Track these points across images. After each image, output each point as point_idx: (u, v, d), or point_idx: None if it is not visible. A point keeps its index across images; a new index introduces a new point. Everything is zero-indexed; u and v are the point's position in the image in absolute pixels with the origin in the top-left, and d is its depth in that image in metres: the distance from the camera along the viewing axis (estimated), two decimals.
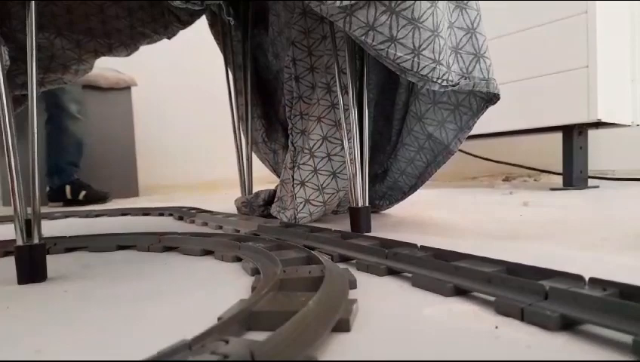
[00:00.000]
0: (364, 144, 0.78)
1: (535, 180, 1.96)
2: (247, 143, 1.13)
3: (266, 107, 1.19)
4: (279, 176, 1.10)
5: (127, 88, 2.43)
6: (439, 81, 0.64)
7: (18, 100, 0.93)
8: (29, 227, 0.51)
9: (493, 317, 0.32)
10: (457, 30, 0.68)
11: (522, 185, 1.81)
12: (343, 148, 0.84)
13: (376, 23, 0.60)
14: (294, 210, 0.88)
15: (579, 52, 1.40)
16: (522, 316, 0.30)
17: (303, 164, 0.88)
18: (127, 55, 1.05)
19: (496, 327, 0.30)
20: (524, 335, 0.28)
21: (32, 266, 0.51)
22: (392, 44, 0.61)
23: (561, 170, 1.55)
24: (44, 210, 1.69)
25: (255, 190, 1.10)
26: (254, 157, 1.18)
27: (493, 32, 0.64)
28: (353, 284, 0.42)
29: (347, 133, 0.78)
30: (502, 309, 0.32)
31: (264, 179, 1.48)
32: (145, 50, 1.07)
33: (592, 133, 1.57)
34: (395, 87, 0.89)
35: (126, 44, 1.04)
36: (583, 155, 1.53)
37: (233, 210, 1.12)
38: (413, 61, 0.62)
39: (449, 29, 0.67)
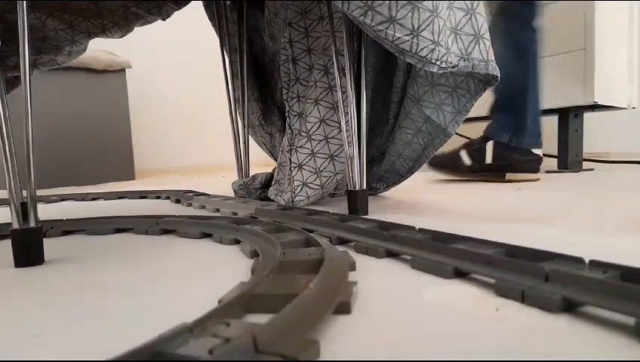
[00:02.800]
0: (361, 127, 0.77)
1: None
2: (243, 126, 1.13)
3: (262, 90, 1.17)
4: (276, 160, 1.10)
5: (122, 70, 2.40)
6: (438, 62, 0.63)
7: (10, 82, 0.92)
8: (24, 210, 0.51)
9: (494, 300, 0.32)
10: (457, 10, 0.67)
11: None
12: (340, 130, 0.84)
13: (374, 4, 0.59)
14: (292, 193, 0.87)
15: (576, 34, 1.39)
16: (523, 298, 0.30)
17: (301, 146, 0.87)
18: (122, 36, 1.03)
19: (497, 309, 0.30)
20: (525, 317, 0.28)
21: (28, 250, 0.51)
22: (391, 25, 0.60)
23: (555, 153, 1.55)
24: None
25: (252, 173, 1.09)
26: (251, 140, 1.17)
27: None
28: (352, 266, 0.42)
29: (345, 116, 0.77)
30: (502, 291, 0.32)
31: (261, 164, 1.47)
32: (140, 32, 1.05)
33: (587, 116, 1.57)
34: (392, 70, 0.89)
35: (120, 25, 1.02)
36: (579, 138, 1.53)
37: (230, 193, 1.11)
38: (412, 42, 0.61)
39: (448, 9, 0.66)
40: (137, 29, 1.04)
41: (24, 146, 0.51)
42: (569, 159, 1.50)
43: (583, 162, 1.55)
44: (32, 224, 0.51)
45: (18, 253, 0.51)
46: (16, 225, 0.50)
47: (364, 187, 0.75)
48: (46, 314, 0.35)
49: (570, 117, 1.50)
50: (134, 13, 1.01)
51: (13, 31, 0.85)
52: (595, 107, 1.47)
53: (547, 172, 1.49)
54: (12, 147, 0.53)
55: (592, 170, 1.53)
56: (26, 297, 0.40)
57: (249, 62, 1.13)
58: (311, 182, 0.87)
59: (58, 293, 0.41)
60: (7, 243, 0.51)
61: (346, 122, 0.76)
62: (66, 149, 2.12)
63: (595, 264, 0.31)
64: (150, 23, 1.05)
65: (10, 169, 0.52)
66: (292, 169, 0.88)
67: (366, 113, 0.79)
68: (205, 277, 0.44)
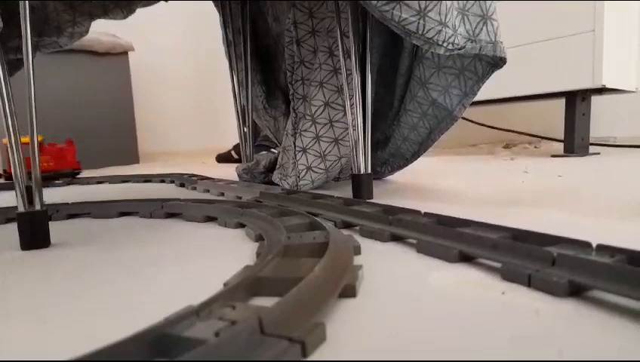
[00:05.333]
0: (366, 110, 0.76)
1: (536, 147, 1.95)
2: (247, 110, 1.12)
3: (266, 73, 1.16)
4: (280, 143, 1.09)
5: (125, 53, 2.39)
6: (445, 44, 0.62)
7: (13, 64, 0.91)
8: (30, 194, 0.51)
9: (500, 284, 0.32)
10: None
11: (523, 152, 1.80)
12: (345, 114, 0.83)
13: None
14: (296, 177, 0.87)
15: (585, 16, 1.36)
16: (529, 282, 0.30)
17: (305, 130, 0.87)
18: (124, 18, 1.02)
19: (503, 293, 0.30)
20: (532, 301, 0.28)
21: (34, 232, 0.51)
22: (397, 6, 0.59)
23: (562, 137, 1.53)
24: None
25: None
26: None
27: None
28: (358, 250, 0.42)
29: (349, 99, 0.77)
30: (508, 275, 0.32)
31: None
32: (142, 13, 1.04)
33: (594, 99, 1.55)
34: (398, 52, 0.87)
35: (121, 5, 1.00)
36: (585, 122, 1.52)
37: (234, 176, 1.11)
38: (418, 23, 0.60)
39: None
40: (140, 11, 1.03)
41: (28, 130, 0.51)
42: (575, 143, 1.48)
43: (590, 146, 1.54)
44: (38, 207, 0.51)
45: (24, 236, 0.51)
46: (21, 209, 0.51)
47: (369, 171, 0.75)
48: (51, 296, 0.35)
49: (577, 100, 1.48)
50: None
51: (14, 13, 0.84)
52: (602, 90, 1.45)
53: (553, 156, 1.48)
54: (17, 131, 0.52)
55: (598, 154, 1.51)
56: (31, 279, 0.40)
57: (252, 45, 1.11)
58: (315, 166, 0.87)
59: (63, 276, 0.41)
60: (14, 227, 0.51)
61: (351, 105, 0.76)
62: (69, 133, 2.12)
63: (601, 248, 0.31)
64: (153, 4, 1.03)
65: (15, 153, 0.52)
66: (296, 153, 0.88)
67: (371, 96, 0.79)
68: (210, 260, 0.44)
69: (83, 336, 0.28)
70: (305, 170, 0.87)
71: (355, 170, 0.75)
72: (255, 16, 1.14)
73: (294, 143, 0.89)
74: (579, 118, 1.49)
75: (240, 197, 0.80)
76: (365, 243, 0.44)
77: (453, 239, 0.40)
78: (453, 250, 0.37)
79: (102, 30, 1.85)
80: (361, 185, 0.74)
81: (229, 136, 1.29)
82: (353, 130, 0.75)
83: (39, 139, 1.34)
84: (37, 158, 0.51)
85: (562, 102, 1.52)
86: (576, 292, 0.29)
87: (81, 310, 0.32)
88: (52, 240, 0.53)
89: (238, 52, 1.13)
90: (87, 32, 1.02)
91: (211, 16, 1.27)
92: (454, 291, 0.31)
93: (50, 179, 1.35)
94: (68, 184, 1.37)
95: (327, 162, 0.87)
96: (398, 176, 1.02)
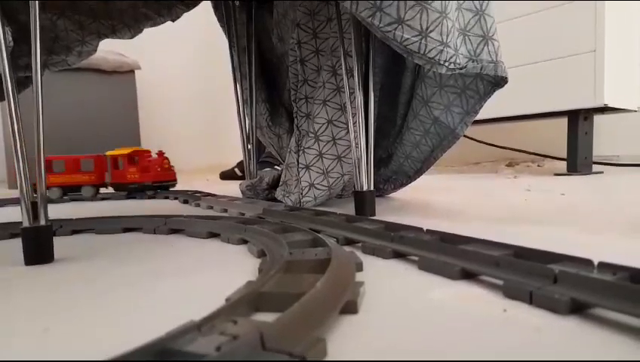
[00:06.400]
0: (369, 128, 0.77)
1: (539, 166, 1.95)
2: (251, 128, 1.13)
3: (270, 91, 1.18)
4: (283, 161, 1.10)
5: (131, 72, 2.42)
6: (446, 63, 0.63)
7: (22, 82, 0.93)
8: (35, 209, 0.52)
9: (502, 301, 0.32)
10: (465, 12, 0.67)
11: (526, 170, 1.80)
12: (348, 132, 0.84)
13: (383, 4, 0.59)
14: (299, 194, 0.88)
15: (586, 35, 1.38)
16: (531, 299, 0.30)
17: (308, 147, 0.88)
18: (131, 37, 1.04)
19: (505, 311, 0.30)
20: (534, 318, 0.28)
21: (38, 248, 0.51)
22: (400, 26, 0.60)
23: (565, 156, 1.54)
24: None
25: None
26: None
27: (498, 16, 0.63)
28: (359, 267, 0.42)
29: (352, 117, 0.77)
30: (510, 293, 0.32)
31: None
32: (149, 34, 1.06)
33: (596, 118, 1.55)
34: (400, 70, 0.89)
35: (129, 25, 1.03)
36: (588, 141, 1.52)
37: (238, 193, 1.12)
38: (420, 43, 0.61)
39: (457, 10, 0.66)
40: (147, 31, 1.05)
41: (34, 146, 0.52)
42: (578, 162, 1.49)
43: (593, 165, 1.54)
44: (43, 222, 0.52)
45: (28, 251, 0.51)
46: (26, 224, 0.51)
47: (372, 188, 0.75)
48: (55, 311, 0.35)
49: (579, 119, 1.48)
50: (144, 14, 1.02)
51: (24, 31, 0.86)
52: (605, 109, 1.46)
53: (556, 174, 1.48)
54: (23, 147, 0.53)
55: (601, 172, 1.51)
56: (36, 294, 0.40)
57: (257, 64, 1.13)
58: (318, 183, 0.87)
59: (67, 291, 0.41)
60: (18, 242, 0.51)
61: (354, 123, 0.76)
62: (75, 149, 2.14)
63: (604, 266, 0.31)
64: (160, 24, 1.05)
65: (21, 168, 0.52)
66: (299, 170, 0.88)
67: (374, 114, 0.80)
68: (213, 275, 0.44)
69: (85, 350, 0.28)
70: (308, 187, 0.87)
71: (358, 188, 0.75)
72: (260, 36, 1.16)
73: (297, 160, 0.90)
74: (581, 137, 1.49)
75: (243, 214, 0.81)
76: (367, 260, 0.44)
77: (455, 256, 0.40)
78: (455, 267, 0.37)
79: (108, 49, 1.88)
80: (364, 202, 0.74)
81: (233, 153, 1.31)
82: (356, 147, 0.75)
83: (131, 150, 1.33)
84: (43, 175, 0.52)
85: (565, 120, 1.53)
86: (578, 309, 0.28)
87: (82, 324, 0.32)
88: (56, 255, 0.53)
89: (243, 71, 1.15)
90: (95, 50, 1.04)
91: (216, 36, 1.30)
92: (456, 308, 0.31)
93: (137, 191, 1.34)
94: (72, 199, 1.38)
95: (330, 179, 0.88)
96: (401, 194, 1.02)
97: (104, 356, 0.20)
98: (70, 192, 1.40)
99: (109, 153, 1.42)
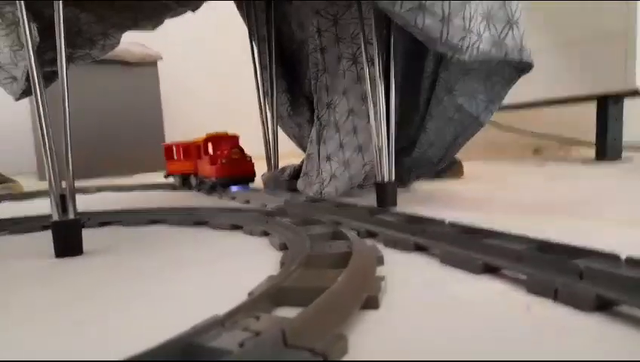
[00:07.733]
0: (390, 117, 0.76)
1: (566, 153, 1.90)
2: (272, 118, 1.13)
3: (290, 80, 1.17)
4: (304, 150, 1.10)
5: (154, 63, 2.44)
6: (469, 50, 0.62)
7: (48, 77, 0.95)
8: (64, 202, 0.53)
9: (525, 296, 0.31)
10: None
11: (552, 157, 1.76)
12: (369, 121, 0.83)
13: None
14: (320, 185, 0.88)
15: (617, 16, 1.33)
16: (555, 296, 0.30)
17: (329, 138, 0.87)
18: (153, 29, 1.05)
19: (528, 306, 0.29)
20: (558, 314, 0.28)
21: (68, 241, 0.53)
22: (421, 12, 0.59)
23: (593, 142, 1.49)
24: None
25: (281, 165, 1.10)
26: (280, 131, 1.17)
27: None
28: (381, 261, 0.42)
29: (373, 107, 0.76)
30: (534, 288, 0.32)
31: (289, 154, 1.47)
32: (170, 24, 1.07)
33: (627, 103, 1.50)
34: (422, 56, 0.87)
35: (150, 17, 1.03)
36: (618, 126, 1.47)
37: (260, 184, 1.13)
38: (442, 30, 0.60)
39: None
40: (168, 22, 1.06)
41: (62, 140, 0.53)
42: (608, 148, 1.44)
43: (623, 151, 1.49)
44: (71, 216, 0.53)
45: (58, 244, 0.53)
46: (56, 217, 0.53)
47: (393, 179, 0.75)
48: (84, 303, 0.37)
49: (609, 104, 1.44)
50: (165, 5, 1.03)
51: (49, 26, 0.88)
52: (636, 93, 1.41)
53: (584, 162, 1.44)
54: (51, 141, 0.54)
55: (631, 159, 1.47)
56: (65, 286, 0.42)
57: (277, 52, 1.13)
58: (339, 174, 0.87)
59: (96, 283, 0.42)
60: (48, 234, 0.53)
61: (375, 113, 0.76)
62: (101, 141, 2.19)
63: (631, 261, 0.30)
64: (180, 14, 1.06)
65: (49, 162, 0.54)
66: (320, 160, 0.88)
67: (395, 103, 0.78)
68: (235, 268, 0.44)
69: (112, 342, 0.29)
70: (329, 178, 0.87)
71: (379, 178, 0.74)
72: (280, 24, 1.15)
73: (318, 151, 0.89)
74: (611, 123, 1.45)
75: (265, 205, 0.81)
76: (388, 253, 0.44)
77: (477, 250, 0.39)
78: (477, 261, 0.37)
79: (131, 40, 1.90)
80: (385, 194, 0.74)
81: (256, 144, 1.31)
82: (377, 137, 0.75)
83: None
84: (71, 168, 0.53)
85: (594, 106, 1.48)
86: (604, 306, 0.28)
87: (110, 316, 0.33)
88: (85, 248, 0.54)
89: (264, 61, 1.14)
90: (118, 43, 1.05)
91: (237, 25, 1.29)
92: (478, 303, 0.31)
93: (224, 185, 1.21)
94: (99, 190, 1.41)
95: (351, 169, 0.87)
96: (424, 183, 1.01)
97: (129, 348, 0.21)
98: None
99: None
